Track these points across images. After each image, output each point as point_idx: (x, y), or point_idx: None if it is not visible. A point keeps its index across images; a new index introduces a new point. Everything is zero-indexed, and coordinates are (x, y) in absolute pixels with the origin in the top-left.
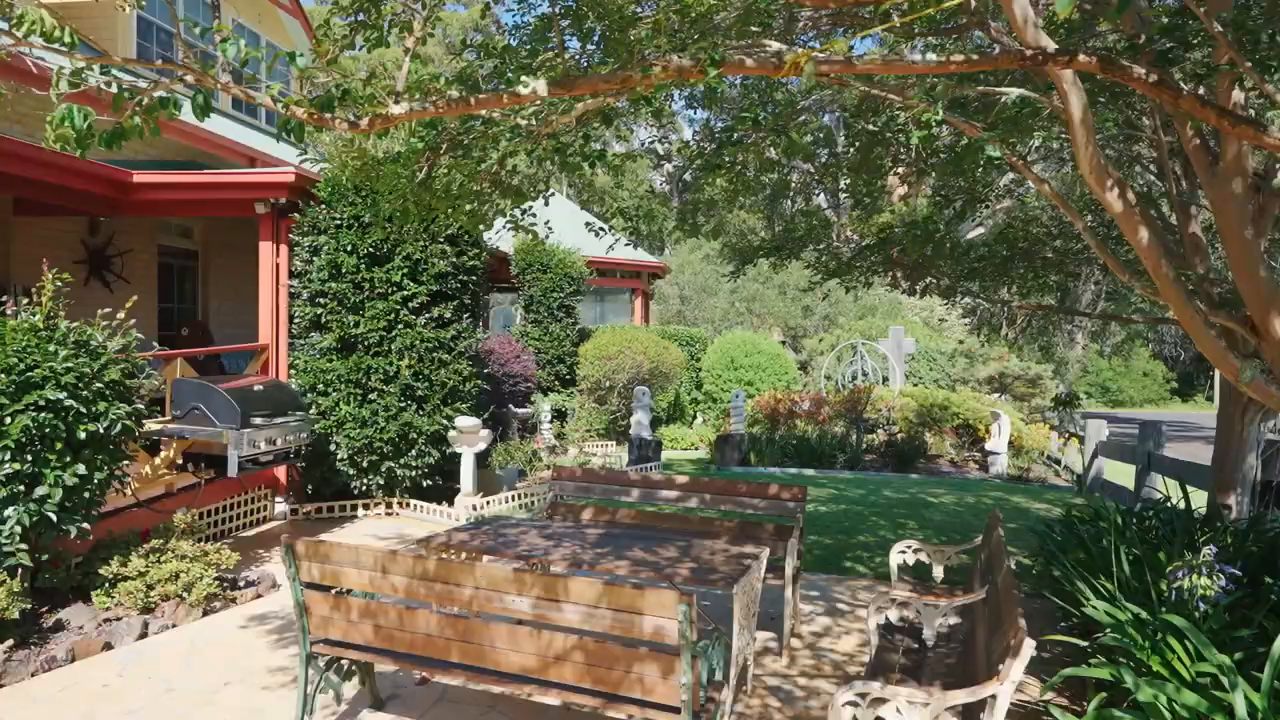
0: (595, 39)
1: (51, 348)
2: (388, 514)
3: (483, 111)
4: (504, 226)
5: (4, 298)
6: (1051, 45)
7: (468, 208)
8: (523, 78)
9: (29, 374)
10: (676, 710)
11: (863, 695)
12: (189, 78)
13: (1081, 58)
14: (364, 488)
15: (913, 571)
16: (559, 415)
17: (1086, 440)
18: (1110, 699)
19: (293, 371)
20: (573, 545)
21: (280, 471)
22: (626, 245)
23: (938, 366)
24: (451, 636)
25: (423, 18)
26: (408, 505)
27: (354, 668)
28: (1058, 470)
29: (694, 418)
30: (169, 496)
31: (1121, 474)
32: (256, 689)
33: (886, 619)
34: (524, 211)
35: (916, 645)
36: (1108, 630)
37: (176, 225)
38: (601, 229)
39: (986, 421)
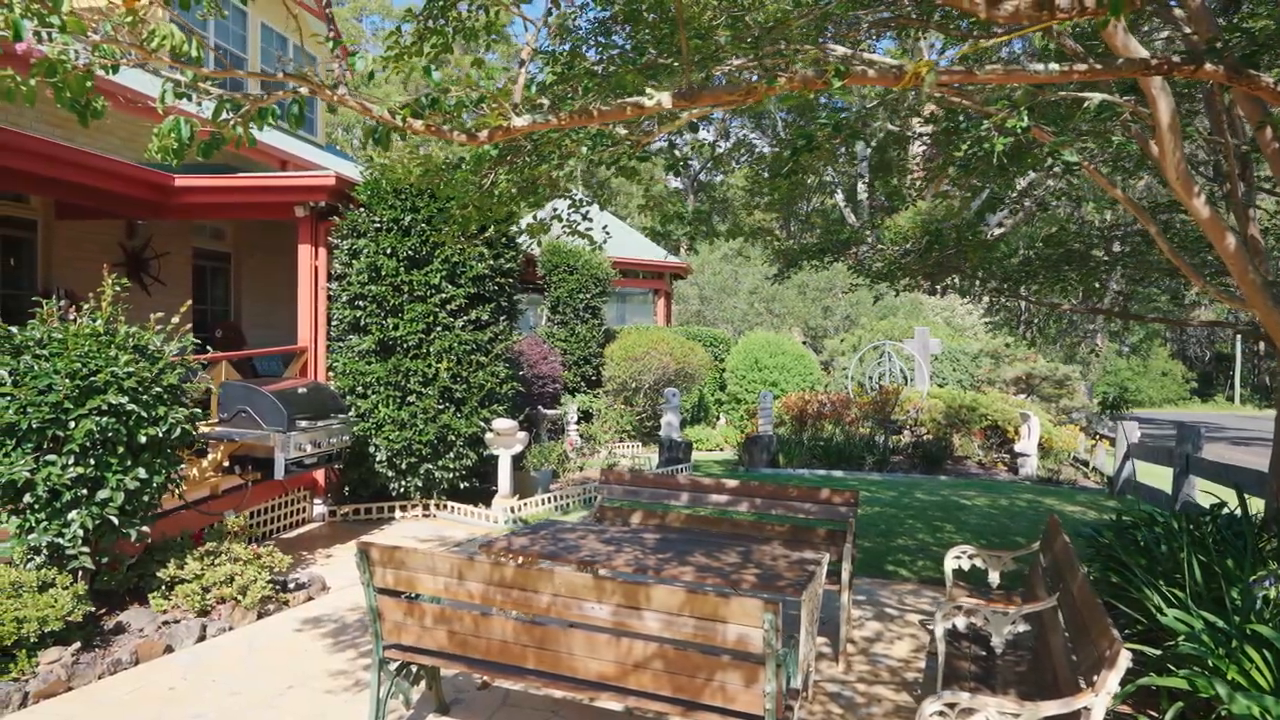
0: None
1: (113, 352)
2: (425, 515)
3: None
4: (562, 231)
5: (63, 302)
6: (1142, 50)
7: (510, 210)
8: (648, 89)
9: (92, 379)
10: (759, 718)
11: (951, 705)
12: (304, 89)
13: (1208, 66)
14: (402, 489)
15: (967, 577)
16: (585, 416)
17: (1118, 442)
18: (1182, 711)
19: (331, 374)
20: (633, 550)
21: (319, 473)
22: (641, 243)
23: (961, 367)
24: (528, 643)
25: (535, 29)
26: (445, 507)
27: (422, 672)
28: (1085, 472)
29: (718, 419)
30: (214, 498)
31: (1151, 475)
32: (319, 693)
33: (954, 626)
34: (584, 217)
35: (984, 653)
36: (1181, 639)
37: (210, 228)
38: (657, 233)
39: (1015, 423)
